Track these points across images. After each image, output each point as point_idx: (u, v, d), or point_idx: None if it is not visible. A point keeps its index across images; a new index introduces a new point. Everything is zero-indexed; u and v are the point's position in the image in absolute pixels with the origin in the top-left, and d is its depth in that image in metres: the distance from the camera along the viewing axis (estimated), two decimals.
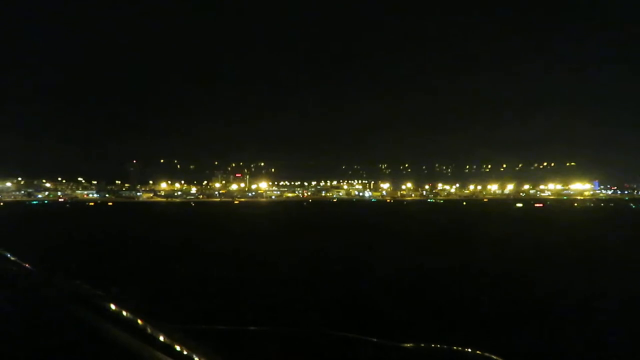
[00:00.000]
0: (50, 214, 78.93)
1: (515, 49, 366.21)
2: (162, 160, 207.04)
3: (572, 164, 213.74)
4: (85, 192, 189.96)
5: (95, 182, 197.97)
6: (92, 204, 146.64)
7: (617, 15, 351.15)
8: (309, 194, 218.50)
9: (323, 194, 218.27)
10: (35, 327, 2.02)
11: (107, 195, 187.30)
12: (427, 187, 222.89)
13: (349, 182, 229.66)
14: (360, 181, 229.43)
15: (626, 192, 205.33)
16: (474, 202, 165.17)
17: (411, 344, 4.11)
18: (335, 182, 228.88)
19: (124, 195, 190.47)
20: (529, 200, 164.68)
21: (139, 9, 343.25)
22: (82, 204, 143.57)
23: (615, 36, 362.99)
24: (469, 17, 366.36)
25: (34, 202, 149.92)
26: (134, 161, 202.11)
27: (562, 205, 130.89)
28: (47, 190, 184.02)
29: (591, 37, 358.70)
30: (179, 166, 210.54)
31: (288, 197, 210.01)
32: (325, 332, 4.32)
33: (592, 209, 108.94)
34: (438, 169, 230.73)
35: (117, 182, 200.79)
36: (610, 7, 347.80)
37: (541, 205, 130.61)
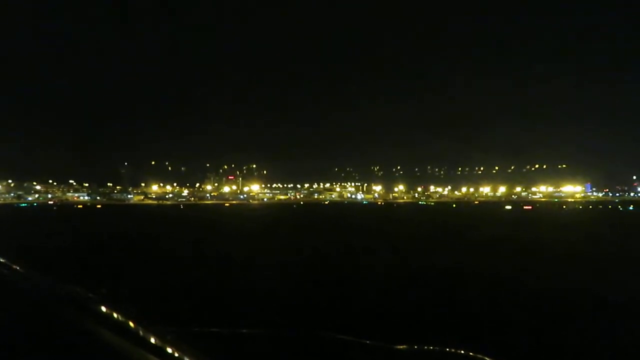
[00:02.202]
0: (29, 217, 78.76)
1: (508, 53, 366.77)
2: (153, 163, 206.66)
3: (564, 166, 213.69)
4: (76, 195, 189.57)
5: (86, 185, 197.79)
6: (81, 206, 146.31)
7: (611, 21, 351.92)
8: (302, 196, 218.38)
9: (316, 196, 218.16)
10: (26, 330, 1.99)
11: (98, 198, 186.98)
12: (419, 189, 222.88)
13: (342, 184, 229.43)
14: (352, 183, 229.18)
15: (617, 194, 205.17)
16: (464, 205, 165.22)
17: (404, 346, 4.07)
18: (327, 185, 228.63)
19: (114, 197, 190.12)
20: (520, 203, 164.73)
21: (130, 14, 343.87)
22: (70, 206, 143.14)
23: (610, 42, 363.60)
24: (462, 23, 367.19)
25: (23, 205, 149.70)
26: (126, 163, 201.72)
27: (550, 208, 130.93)
28: (38, 193, 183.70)
29: (586, 42, 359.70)
30: (170, 168, 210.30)
31: (280, 199, 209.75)
32: (318, 334, 4.26)
33: (576, 212, 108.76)
34: (430, 172, 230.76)
35: (109, 184, 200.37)
36: (606, 14, 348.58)
37: (530, 207, 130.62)
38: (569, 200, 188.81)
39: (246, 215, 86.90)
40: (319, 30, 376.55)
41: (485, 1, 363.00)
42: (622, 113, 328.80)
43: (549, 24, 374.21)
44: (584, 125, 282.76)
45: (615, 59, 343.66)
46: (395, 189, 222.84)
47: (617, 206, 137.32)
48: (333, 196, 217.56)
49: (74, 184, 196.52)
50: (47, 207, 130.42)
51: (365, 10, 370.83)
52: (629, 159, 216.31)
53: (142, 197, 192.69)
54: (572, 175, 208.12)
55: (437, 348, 4.21)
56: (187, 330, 3.45)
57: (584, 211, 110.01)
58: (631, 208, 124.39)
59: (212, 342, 3.51)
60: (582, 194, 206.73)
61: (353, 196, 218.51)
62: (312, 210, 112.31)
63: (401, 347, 4.17)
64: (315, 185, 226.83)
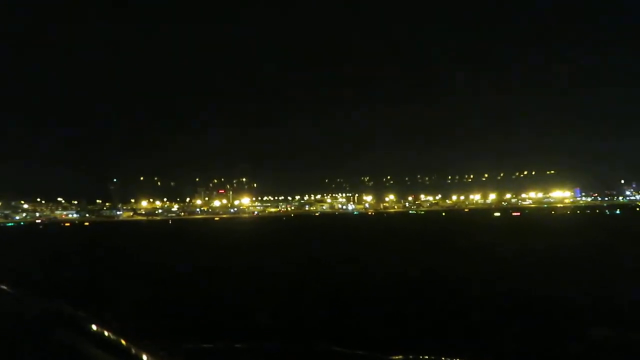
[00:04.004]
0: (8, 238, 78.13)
1: (494, 59, 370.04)
2: (142, 178, 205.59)
3: (552, 171, 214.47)
4: (65, 213, 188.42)
5: (75, 202, 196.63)
6: (68, 224, 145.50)
7: (596, 28, 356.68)
8: (293, 208, 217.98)
9: (307, 208, 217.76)
10: (17, 350, 1.91)
11: (87, 215, 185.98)
12: (410, 198, 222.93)
13: (333, 195, 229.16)
14: (343, 194, 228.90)
15: (606, 198, 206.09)
16: (454, 213, 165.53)
17: (399, 356, 3.95)
18: (318, 196, 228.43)
19: (104, 214, 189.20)
20: (509, 209, 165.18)
21: (117, 29, 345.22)
22: (57, 224, 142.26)
23: (595, 47, 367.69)
24: (448, 32, 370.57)
25: (9, 224, 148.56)
26: (115, 180, 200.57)
27: (538, 213, 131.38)
28: (25, 212, 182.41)
29: (572, 49, 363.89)
30: (159, 183, 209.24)
31: (271, 212, 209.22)
32: (313, 346, 4.15)
33: (560, 217, 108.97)
34: (420, 180, 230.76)
35: (98, 201, 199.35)
36: (590, 21, 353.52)
37: (518, 214, 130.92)
38: (558, 205, 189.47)
39: (230, 229, 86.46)
40: (307, 41, 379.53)
41: (471, 12, 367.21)
42: (608, 117, 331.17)
43: (534, 32, 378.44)
44: (572, 130, 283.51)
45: (600, 64, 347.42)
46: (386, 199, 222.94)
47: (604, 210, 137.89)
48: (324, 207, 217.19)
49: (63, 201, 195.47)
50: (32, 226, 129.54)
51: (352, 23, 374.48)
52: (617, 162, 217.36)
53: (131, 214, 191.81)
54: (561, 180, 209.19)
55: (433, 357, 4.16)
56: (180, 346, 3.36)
57: (569, 216, 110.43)
58: (618, 212, 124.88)
59: (205, 358, 3.41)
60: (571, 199, 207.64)
61: (344, 207, 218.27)
62: (301, 223, 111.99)
63: (396, 357, 4.13)
64: (306, 197, 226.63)
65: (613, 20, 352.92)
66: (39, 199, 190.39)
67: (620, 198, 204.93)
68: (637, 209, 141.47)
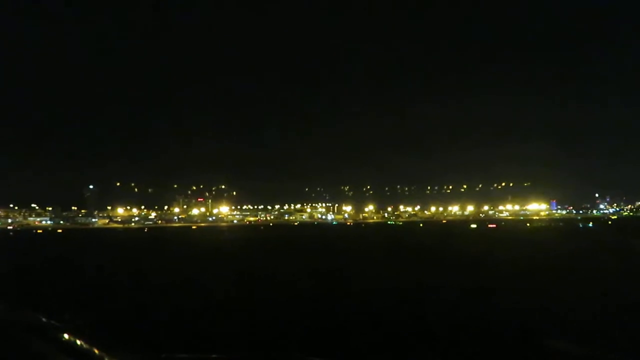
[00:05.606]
0: None
1: (474, 75, 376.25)
2: (118, 184, 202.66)
3: (528, 184, 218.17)
4: (38, 219, 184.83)
5: (50, 209, 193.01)
6: (40, 231, 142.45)
7: (570, 40, 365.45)
8: (272, 217, 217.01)
9: (286, 218, 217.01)
10: None
11: (61, 222, 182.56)
12: (389, 209, 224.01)
13: (313, 205, 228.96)
14: (323, 204, 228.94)
15: (581, 211, 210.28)
16: (432, 224, 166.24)
17: None
18: (298, 205, 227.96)
19: (78, 221, 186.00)
20: (486, 221, 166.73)
21: (95, 33, 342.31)
22: (28, 232, 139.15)
23: (571, 61, 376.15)
24: (429, 47, 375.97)
25: None
26: (91, 186, 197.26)
27: (514, 225, 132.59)
28: None
29: (546, 61, 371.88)
30: (136, 190, 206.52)
31: (250, 221, 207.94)
32: (290, 356, 3.91)
33: (533, 229, 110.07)
34: (400, 191, 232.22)
35: (73, 208, 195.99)
36: (564, 33, 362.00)
37: (494, 226, 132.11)
38: (534, 217, 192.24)
39: (199, 239, 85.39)
40: (286, 50, 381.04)
41: (447, 25, 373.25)
42: (585, 133, 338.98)
43: (508, 46, 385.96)
44: (549, 144, 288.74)
45: (576, 77, 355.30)
46: (366, 209, 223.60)
47: (577, 223, 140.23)
48: (304, 217, 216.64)
49: (37, 208, 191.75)
50: (2, 233, 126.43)
51: (334, 32, 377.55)
52: (591, 177, 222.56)
53: (107, 221, 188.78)
54: (537, 193, 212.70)
55: None
56: (154, 356, 3.28)
57: (542, 228, 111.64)
58: (590, 225, 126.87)
59: None
60: (547, 212, 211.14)
61: (323, 217, 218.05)
62: (275, 233, 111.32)
63: None
64: (285, 206, 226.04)
65: (585, 34, 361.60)
66: (11, 205, 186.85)
67: (595, 211, 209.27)
68: (609, 222, 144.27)
